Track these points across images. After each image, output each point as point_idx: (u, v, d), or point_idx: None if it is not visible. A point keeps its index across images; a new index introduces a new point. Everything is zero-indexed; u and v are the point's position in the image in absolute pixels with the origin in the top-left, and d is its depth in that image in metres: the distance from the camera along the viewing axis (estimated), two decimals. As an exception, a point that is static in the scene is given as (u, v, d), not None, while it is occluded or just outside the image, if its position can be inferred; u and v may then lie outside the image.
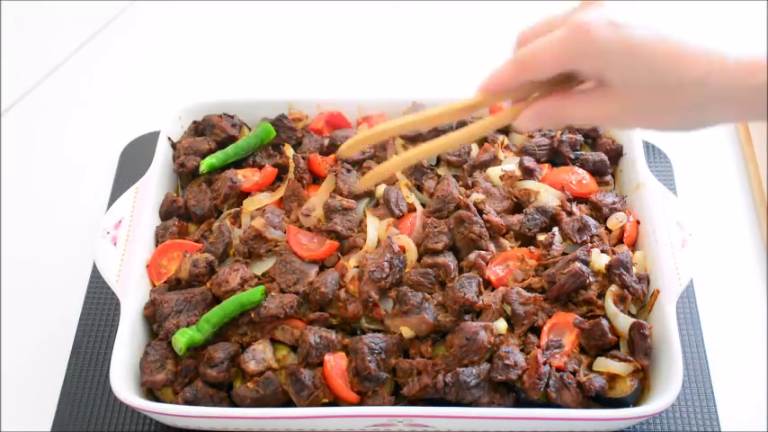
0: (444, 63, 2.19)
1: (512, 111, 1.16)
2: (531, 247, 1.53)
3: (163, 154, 1.67)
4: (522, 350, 1.39)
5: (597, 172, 1.66)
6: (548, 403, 1.34)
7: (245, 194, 1.64)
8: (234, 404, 1.38)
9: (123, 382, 1.34)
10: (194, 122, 1.76)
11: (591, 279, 1.44)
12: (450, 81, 2.14)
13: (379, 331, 1.44)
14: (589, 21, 1.00)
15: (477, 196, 1.57)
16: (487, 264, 1.49)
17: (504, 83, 1.12)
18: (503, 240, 1.54)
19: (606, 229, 1.57)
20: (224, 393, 1.39)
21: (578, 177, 1.63)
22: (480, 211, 1.54)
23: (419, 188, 1.63)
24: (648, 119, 1.08)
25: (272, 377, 1.36)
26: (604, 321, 1.40)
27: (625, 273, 1.44)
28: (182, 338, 1.37)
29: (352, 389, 1.36)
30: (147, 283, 1.51)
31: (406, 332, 1.41)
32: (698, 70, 0.99)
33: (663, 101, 1.02)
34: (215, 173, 1.67)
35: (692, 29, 1.00)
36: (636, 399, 1.36)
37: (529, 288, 1.47)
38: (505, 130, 1.73)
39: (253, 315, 1.42)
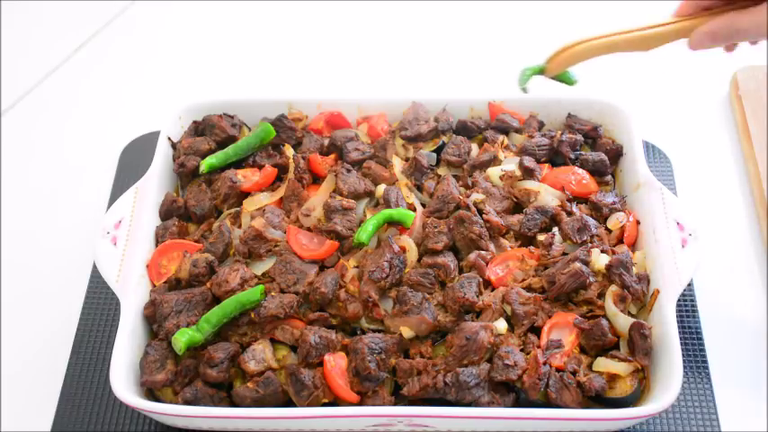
0: (444, 63, 2.19)
1: (687, 26, 1.37)
2: (531, 247, 1.53)
3: (163, 154, 1.67)
4: (522, 350, 1.39)
5: (597, 172, 1.66)
6: (548, 403, 1.34)
7: (245, 194, 1.64)
8: (234, 404, 1.38)
9: (123, 382, 1.34)
10: (194, 122, 1.76)
11: (591, 279, 1.44)
12: (450, 81, 2.14)
13: (379, 331, 1.44)
14: None
15: (477, 196, 1.57)
16: (487, 264, 1.49)
17: None
18: (503, 240, 1.54)
19: (606, 229, 1.57)
20: (224, 393, 1.39)
21: (578, 177, 1.63)
22: (480, 211, 1.54)
23: (419, 188, 1.63)
24: None
25: (272, 377, 1.36)
26: (604, 321, 1.40)
27: (625, 273, 1.44)
28: (182, 338, 1.37)
29: (352, 389, 1.36)
30: (147, 283, 1.51)
31: (406, 332, 1.41)
32: None
33: None
34: (215, 173, 1.67)
35: None
36: (636, 399, 1.36)
37: (529, 288, 1.47)
38: (505, 131, 1.74)
39: (253, 315, 1.42)
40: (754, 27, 1.32)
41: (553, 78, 1.54)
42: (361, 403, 1.36)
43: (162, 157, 1.67)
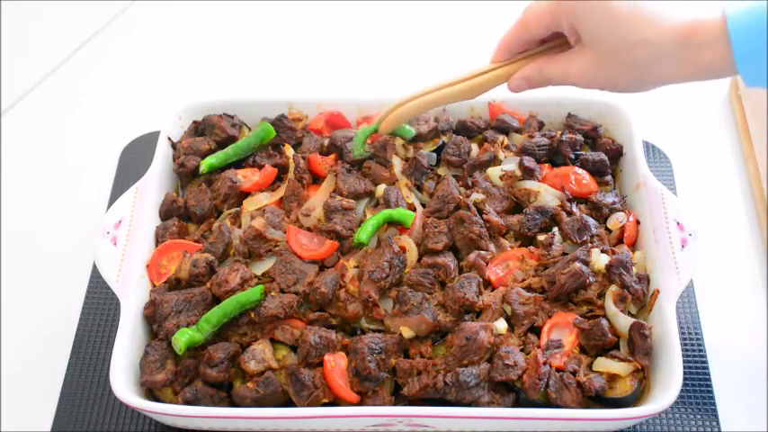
0: (444, 63, 2.19)
1: (506, 72, 1.43)
2: (531, 247, 1.53)
3: (163, 154, 1.67)
4: (522, 350, 1.39)
5: (597, 172, 1.66)
6: (548, 403, 1.34)
7: (245, 194, 1.64)
8: (234, 404, 1.38)
9: (123, 382, 1.34)
10: (194, 122, 1.76)
11: (591, 279, 1.44)
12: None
13: (379, 331, 1.44)
14: None
15: (477, 196, 1.58)
16: (487, 264, 1.49)
17: (509, 44, 1.41)
18: (503, 240, 1.54)
19: (606, 229, 1.57)
20: (224, 393, 1.39)
21: (578, 177, 1.63)
22: (480, 211, 1.54)
23: (419, 188, 1.63)
24: (608, 75, 1.31)
25: (272, 377, 1.36)
26: (604, 321, 1.40)
27: (625, 273, 1.44)
28: (182, 338, 1.37)
29: (352, 389, 1.36)
30: (147, 283, 1.51)
31: (406, 332, 1.41)
32: (653, 30, 1.22)
33: (622, 56, 1.26)
34: (215, 173, 1.67)
35: None
36: (636, 399, 1.36)
37: (529, 288, 1.47)
38: (505, 131, 1.74)
39: (253, 315, 1.42)
40: (559, 76, 1.37)
41: (391, 134, 1.64)
42: (361, 403, 1.36)
43: (162, 157, 1.67)
